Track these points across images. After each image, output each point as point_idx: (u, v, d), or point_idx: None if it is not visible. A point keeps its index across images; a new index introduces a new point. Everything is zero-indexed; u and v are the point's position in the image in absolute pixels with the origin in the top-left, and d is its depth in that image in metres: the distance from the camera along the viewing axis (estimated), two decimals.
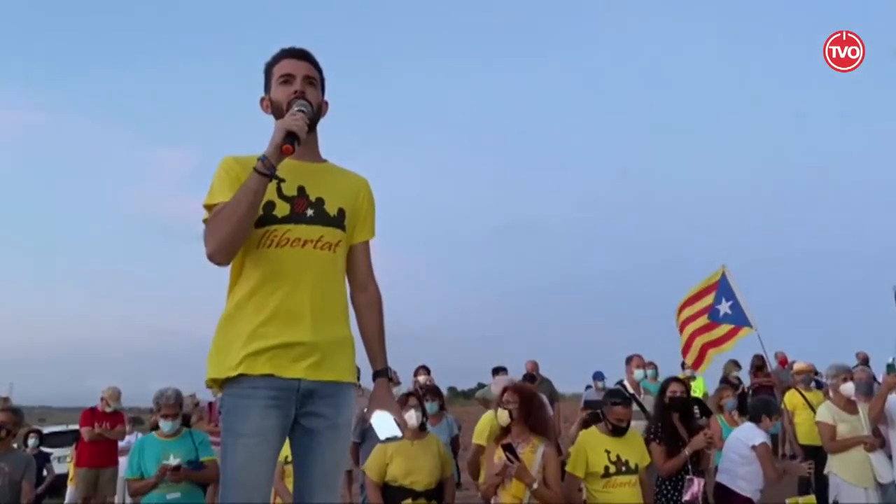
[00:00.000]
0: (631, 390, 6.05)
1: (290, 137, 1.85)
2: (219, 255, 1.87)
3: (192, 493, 4.22)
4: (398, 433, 2.08)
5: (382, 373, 2.13)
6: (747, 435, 4.61)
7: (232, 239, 1.85)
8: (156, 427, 8.42)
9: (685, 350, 6.75)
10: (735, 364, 10.31)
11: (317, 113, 2.05)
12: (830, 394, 5.39)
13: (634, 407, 5.75)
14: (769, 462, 4.48)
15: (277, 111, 2.03)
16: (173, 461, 4.18)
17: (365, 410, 2.17)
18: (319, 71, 2.10)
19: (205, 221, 1.93)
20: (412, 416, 4.27)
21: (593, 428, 4.33)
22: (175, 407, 4.44)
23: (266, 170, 1.83)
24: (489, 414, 4.89)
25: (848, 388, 5.05)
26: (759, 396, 7.70)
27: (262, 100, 2.11)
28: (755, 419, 4.69)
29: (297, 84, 2.02)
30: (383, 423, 2.07)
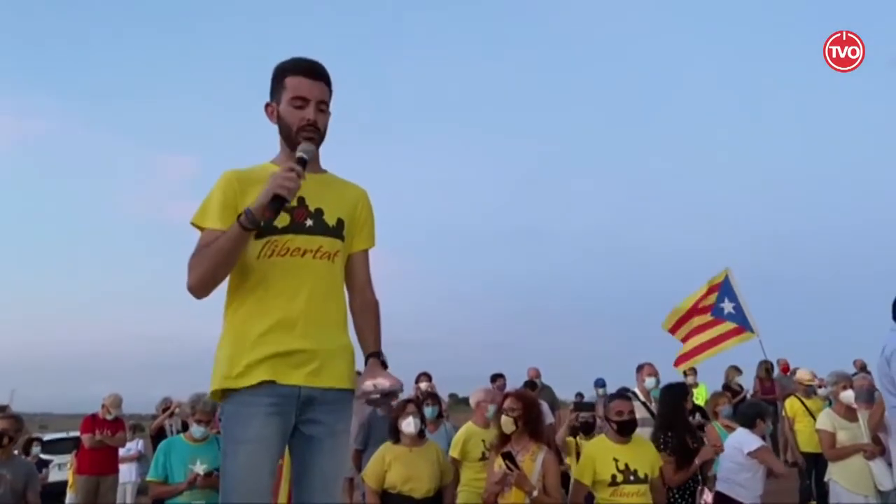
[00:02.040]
0: (642, 398, 6.04)
1: (276, 202, 1.84)
2: (197, 291, 1.93)
3: (216, 501, 4.23)
4: (396, 387, 1.92)
5: (376, 353, 2.06)
6: (741, 441, 4.60)
7: (210, 280, 1.92)
8: (159, 433, 8.47)
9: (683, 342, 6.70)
10: (736, 370, 10.29)
11: (323, 134, 2.07)
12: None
13: (646, 414, 5.74)
14: (773, 460, 4.45)
15: (285, 131, 2.05)
16: (200, 467, 4.18)
17: (359, 387, 2.04)
18: (330, 85, 2.09)
19: (192, 223, 1.99)
20: (410, 424, 4.27)
21: (602, 436, 4.28)
22: (210, 413, 4.44)
23: (249, 224, 1.85)
24: (468, 426, 4.86)
25: (848, 395, 5.05)
26: (750, 401, 7.69)
27: (268, 105, 2.10)
28: (749, 425, 4.67)
29: (310, 112, 2.01)
30: (375, 385, 1.90)
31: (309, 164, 2.05)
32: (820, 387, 7.27)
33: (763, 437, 4.72)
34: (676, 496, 4.44)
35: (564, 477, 4.43)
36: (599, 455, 4.00)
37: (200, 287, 1.93)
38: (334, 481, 2.02)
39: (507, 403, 3.99)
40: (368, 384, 1.91)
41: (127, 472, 8.50)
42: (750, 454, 4.49)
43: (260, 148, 2.17)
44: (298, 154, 1.94)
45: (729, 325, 6.36)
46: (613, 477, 3.89)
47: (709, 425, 5.52)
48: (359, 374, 2.08)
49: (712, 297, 6.49)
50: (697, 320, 6.52)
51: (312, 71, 2.04)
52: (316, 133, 2.02)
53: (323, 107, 2.05)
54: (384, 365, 2.04)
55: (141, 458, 8.91)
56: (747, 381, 10.46)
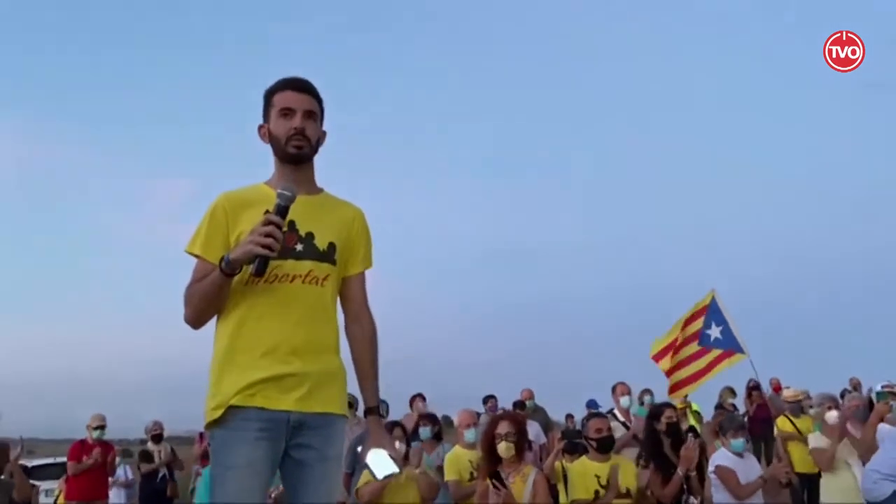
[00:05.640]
0: (622, 418, 6.03)
1: (261, 261, 1.87)
2: (192, 325, 2.02)
3: None
4: (395, 469, 2.09)
5: (374, 410, 2.16)
6: (714, 459, 4.60)
7: (200, 318, 2.01)
8: (146, 457, 8.31)
9: (669, 374, 6.70)
10: (731, 391, 10.28)
11: (316, 146, 2.10)
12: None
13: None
14: (731, 482, 4.40)
15: (276, 144, 2.06)
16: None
17: (359, 450, 2.18)
18: (320, 102, 2.11)
19: (186, 252, 2.03)
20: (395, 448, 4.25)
21: (583, 457, 4.39)
22: None
23: (230, 271, 1.90)
24: (455, 449, 4.84)
25: (832, 416, 5.06)
26: (726, 414, 7.73)
27: (261, 128, 2.12)
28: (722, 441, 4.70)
29: (296, 120, 2.03)
30: (380, 462, 2.07)
31: (304, 185, 2.06)
32: (807, 399, 7.30)
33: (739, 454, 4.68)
34: None
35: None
36: (581, 474, 4.17)
37: (194, 322, 2.01)
38: None
39: (504, 428, 3.99)
40: (372, 465, 2.06)
41: (116, 498, 8.36)
42: (712, 472, 4.49)
43: (256, 174, 2.18)
44: (276, 202, 1.92)
45: (716, 352, 6.36)
46: (596, 493, 4.05)
47: (711, 445, 5.51)
48: (353, 395, 2.12)
49: (699, 323, 6.49)
50: (687, 350, 6.52)
51: (297, 84, 2.08)
52: (305, 141, 2.03)
53: (311, 116, 2.06)
54: (383, 415, 2.10)
55: (132, 485, 8.77)
56: (740, 402, 10.47)
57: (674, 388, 6.58)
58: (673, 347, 6.58)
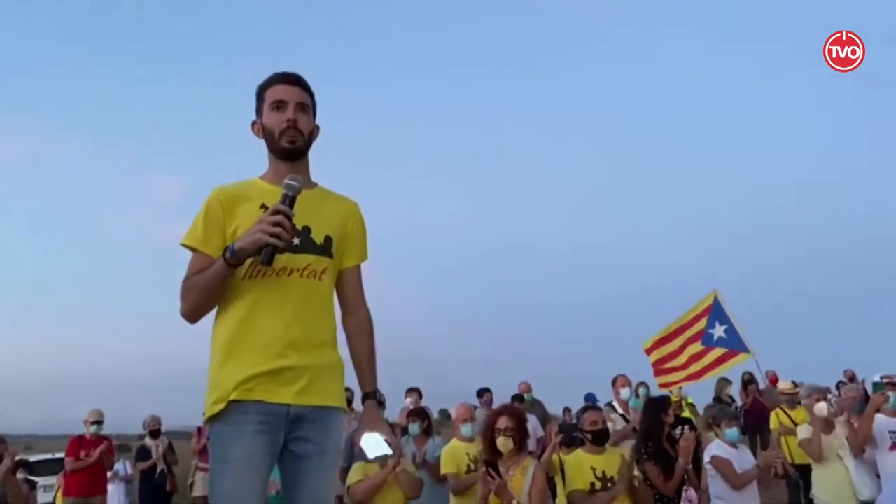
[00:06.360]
0: (621, 411, 6.05)
1: (269, 251, 1.87)
2: (189, 319, 2.01)
3: None
4: (388, 451, 2.11)
5: (371, 395, 2.16)
6: (709, 450, 4.63)
7: (200, 310, 2.00)
8: (142, 453, 8.34)
9: (659, 373, 6.72)
10: (727, 382, 10.33)
11: (309, 139, 2.10)
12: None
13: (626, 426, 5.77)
14: (727, 471, 4.43)
15: (269, 137, 2.07)
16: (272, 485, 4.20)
17: (354, 433, 2.20)
18: (311, 95, 2.12)
19: (182, 245, 2.02)
20: None
21: (579, 450, 4.43)
22: None
23: (234, 261, 1.90)
24: (452, 442, 4.87)
25: (820, 407, 5.07)
26: (716, 405, 7.81)
27: (254, 124, 2.13)
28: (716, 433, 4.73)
29: (289, 112, 2.04)
30: (373, 443, 2.09)
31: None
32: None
33: (733, 444, 4.68)
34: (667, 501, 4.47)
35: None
36: (577, 466, 4.22)
37: (192, 316, 1.99)
38: (325, 500, 2.02)
39: (503, 423, 4.01)
40: (365, 446, 2.07)
41: (115, 493, 8.36)
42: (708, 463, 4.51)
43: (250, 169, 2.18)
44: (284, 192, 1.92)
45: (720, 351, 6.37)
46: (592, 485, 4.10)
47: (706, 437, 5.53)
48: (350, 389, 2.13)
49: (702, 323, 6.50)
50: (690, 350, 6.53)
51: (287, 78, 2.09)
52: (298, 134, 2.04)
53: (303, 108, 2.07)
54: (381, 404, 2.09)
55: (131, 480, 8.78)
56: (736, 393, 10.53)
57: (664, 380, 6.60)
58: (666, 342, 6.59)
